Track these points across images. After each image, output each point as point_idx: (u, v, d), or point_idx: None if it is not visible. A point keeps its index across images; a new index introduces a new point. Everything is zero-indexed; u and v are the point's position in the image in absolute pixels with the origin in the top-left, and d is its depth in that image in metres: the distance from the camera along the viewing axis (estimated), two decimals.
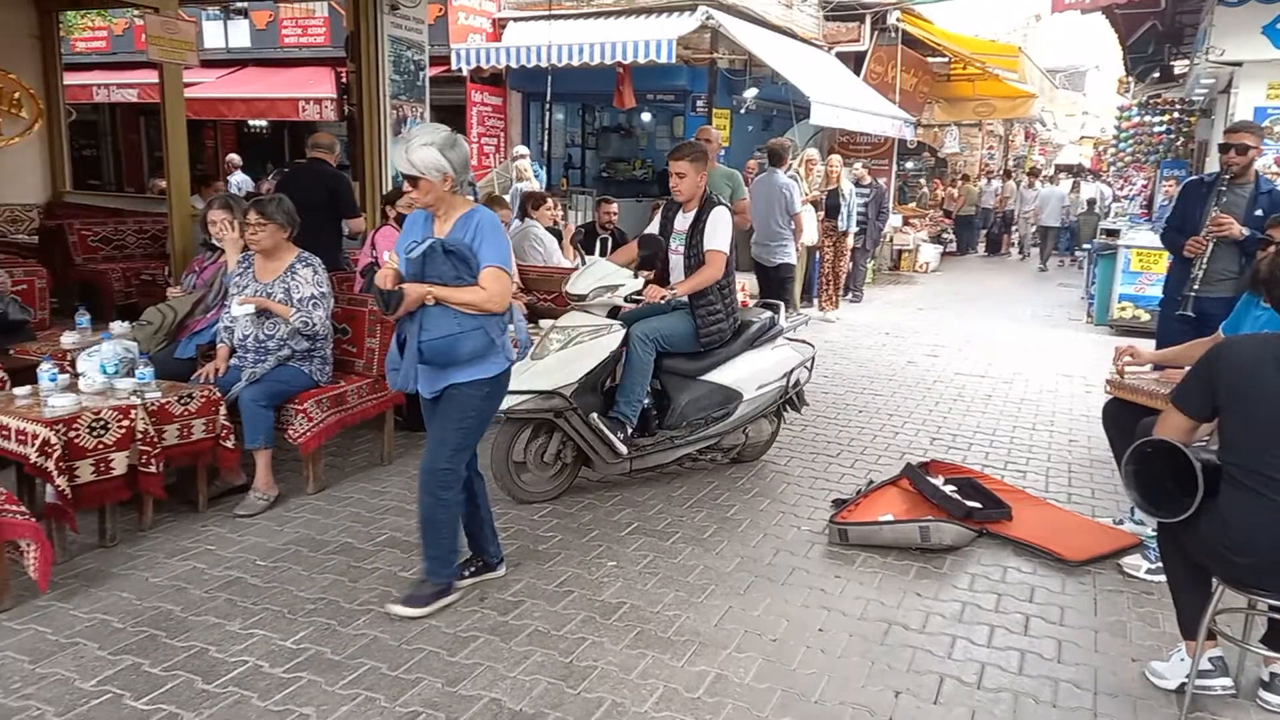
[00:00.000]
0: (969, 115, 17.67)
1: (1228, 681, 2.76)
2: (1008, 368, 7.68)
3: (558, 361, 4.15)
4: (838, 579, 3.63)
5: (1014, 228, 18.76)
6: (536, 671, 2.87)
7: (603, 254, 7.21)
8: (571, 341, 4.20)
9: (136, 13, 9.26)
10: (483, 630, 3.11)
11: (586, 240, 7.41)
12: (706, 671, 2.92)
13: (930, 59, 15.54)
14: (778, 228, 7.51)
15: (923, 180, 18.81)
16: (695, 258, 4.44)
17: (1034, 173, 20.67)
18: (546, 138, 12.14)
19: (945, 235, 16.62)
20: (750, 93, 12.00)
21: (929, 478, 4.44)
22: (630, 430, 4.33)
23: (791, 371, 4.89)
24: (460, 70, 11.25)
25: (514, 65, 11.16)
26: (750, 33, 10.96)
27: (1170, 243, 5.10)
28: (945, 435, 5.68)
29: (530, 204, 6.84)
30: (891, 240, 13.64)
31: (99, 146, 17.57)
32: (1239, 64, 9.85)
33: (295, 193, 4.75)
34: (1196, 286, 4.81)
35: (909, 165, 18.64)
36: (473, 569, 3.46)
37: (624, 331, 4.31)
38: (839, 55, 13.12)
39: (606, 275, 4.34)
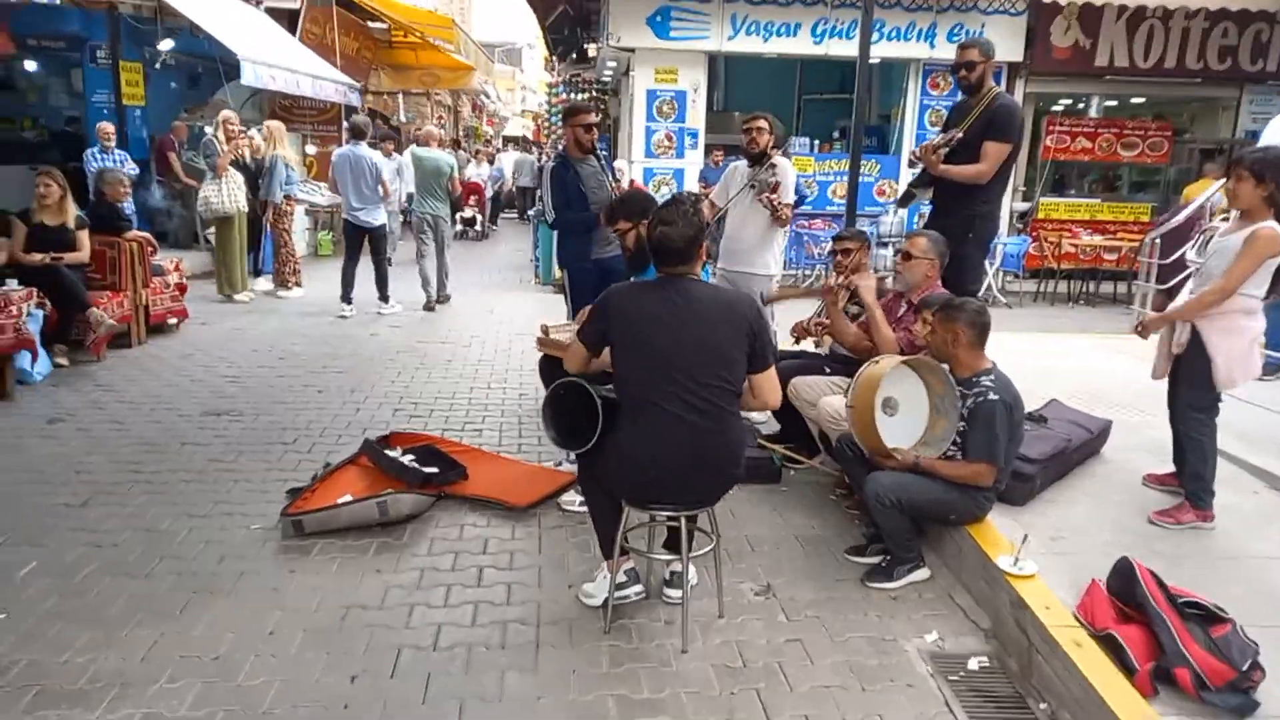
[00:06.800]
0: (415, 84, 17.91)
1: (640, 588, 3.20)
2: (466, 332, 8.01)
3: None
4: (292, 574, 3.41)
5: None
6: None
7: None
8: None
9: None
10: None
11: None
12: (131, 715, 2.53)
13: (370, 24, 15.32)
14: (369, 192, 8.39)
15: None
16: None
17: (487, 143, 21.95)
18: None
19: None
20: (166, 44, 10.60)
21: (388, 451, 4.42)
22: None
23: None
24: None
25: None
26: None
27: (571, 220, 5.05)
28: (407, 405, 5.71)
29: None
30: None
31: None
32: (633, 50, 11.40)
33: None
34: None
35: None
36: None
37: None
38: (269, 11, 12.22)
39: None
